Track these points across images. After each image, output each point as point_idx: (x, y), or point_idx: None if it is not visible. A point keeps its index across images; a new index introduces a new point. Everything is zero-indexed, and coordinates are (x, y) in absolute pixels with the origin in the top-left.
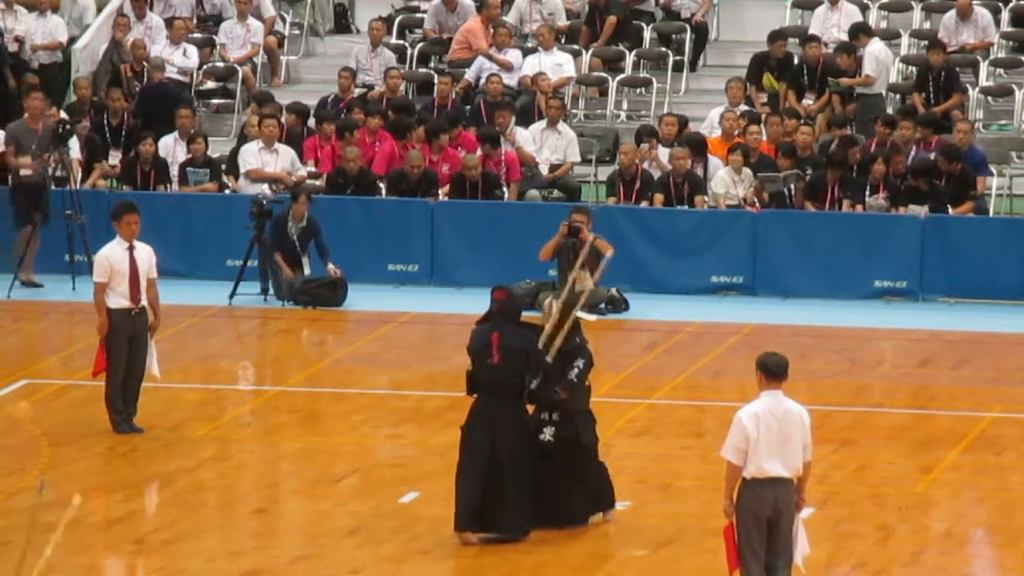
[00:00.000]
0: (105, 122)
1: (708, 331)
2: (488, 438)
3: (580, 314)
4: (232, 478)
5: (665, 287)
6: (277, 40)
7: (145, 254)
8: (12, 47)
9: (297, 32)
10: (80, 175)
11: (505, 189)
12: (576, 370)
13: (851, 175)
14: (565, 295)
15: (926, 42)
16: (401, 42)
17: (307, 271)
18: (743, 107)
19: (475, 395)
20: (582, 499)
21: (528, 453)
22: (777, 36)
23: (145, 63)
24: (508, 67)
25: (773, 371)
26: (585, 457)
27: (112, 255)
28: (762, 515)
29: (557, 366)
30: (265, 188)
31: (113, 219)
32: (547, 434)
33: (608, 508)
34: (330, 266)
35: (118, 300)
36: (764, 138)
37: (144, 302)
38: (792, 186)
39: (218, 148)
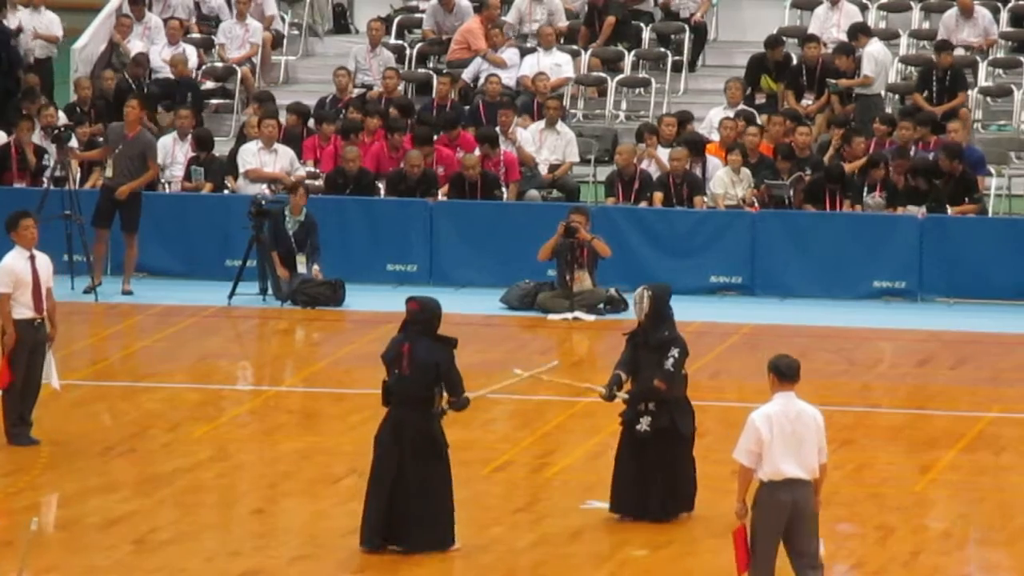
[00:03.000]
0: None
1: (708, 331)
2: (397, 450)
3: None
4: (231, 478)
5: None
6: (272, 38)
7: (45, 263)
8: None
9: (296, 32)
10: (79, 175)
11: (504, 189)
12: (672, 359)
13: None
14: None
15: (925, 42)
16: (400, 42)
17: (301, 269)
18: (742, 107)
19: (389, 406)
20: (674, 494)
21: (438, 467)
22: (774, 41)
23: (147, 60)
24: (502, 65)
25: (785, 373)
26: (682, 447)
27: (15, 265)
28: (780, 517)
29: (654, 356)
30: (264, 188)
31: (8, 229)
32: (643, 424)
33: (688, 509)
34: (315, 267)
35: (22, 311)
36: (765, 140)
37: (45, 312)
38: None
39: (218, 148)
